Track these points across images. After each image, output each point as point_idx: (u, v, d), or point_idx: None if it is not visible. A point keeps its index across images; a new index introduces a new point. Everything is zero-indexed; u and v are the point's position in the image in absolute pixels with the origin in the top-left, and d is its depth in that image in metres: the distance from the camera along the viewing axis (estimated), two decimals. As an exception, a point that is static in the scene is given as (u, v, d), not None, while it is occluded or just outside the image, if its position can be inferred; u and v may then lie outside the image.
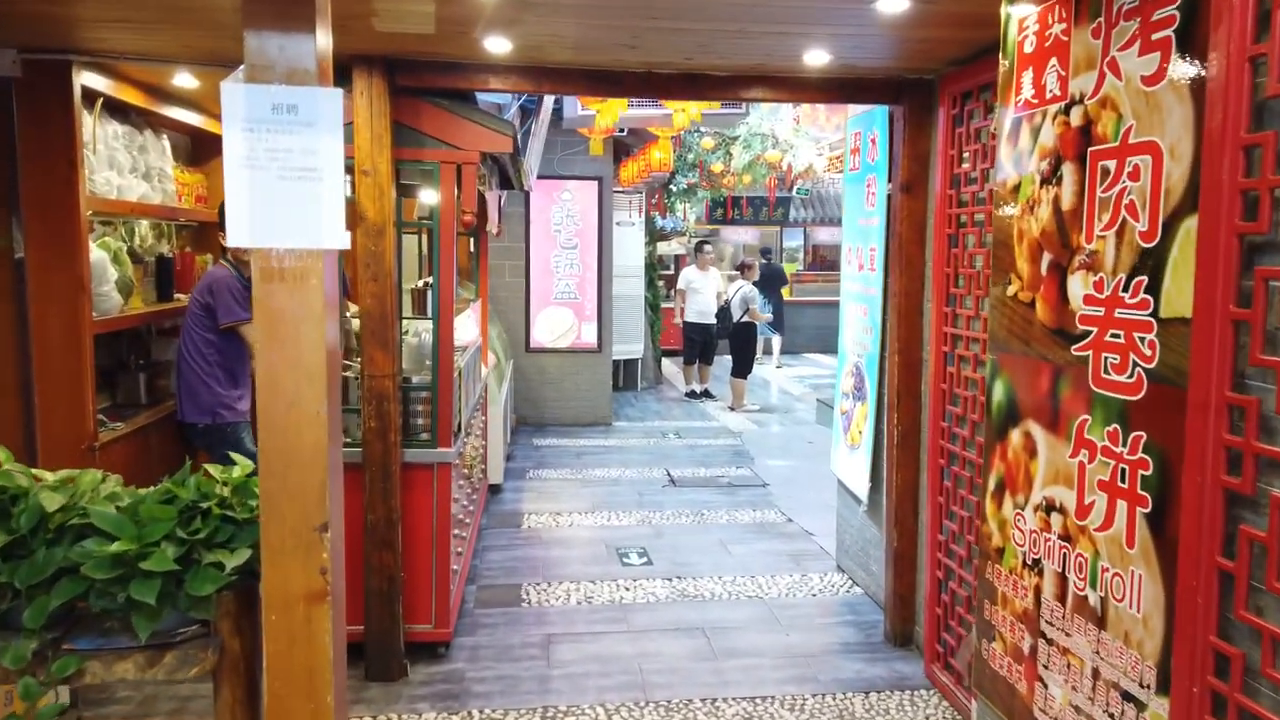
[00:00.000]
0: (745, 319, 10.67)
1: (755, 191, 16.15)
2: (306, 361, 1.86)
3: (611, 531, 5.84)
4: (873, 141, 4.54)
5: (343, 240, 1.84)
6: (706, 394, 11.27)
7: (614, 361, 11.20)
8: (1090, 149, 2.18)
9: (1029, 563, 2.40)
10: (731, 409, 10.50)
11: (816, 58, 3.56)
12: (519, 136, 3.95)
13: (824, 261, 17.91)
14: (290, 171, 1.83)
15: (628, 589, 4.86)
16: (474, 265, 6.52)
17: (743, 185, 13.82)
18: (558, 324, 9.44)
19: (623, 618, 4.50)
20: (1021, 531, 2.42)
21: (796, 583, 4.98)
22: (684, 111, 7.00)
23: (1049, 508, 2.31)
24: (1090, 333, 2.17)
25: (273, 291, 1.85)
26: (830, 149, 12.78)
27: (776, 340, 14.48)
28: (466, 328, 5.92)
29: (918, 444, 4.08)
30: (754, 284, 11.42)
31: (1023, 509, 2.42)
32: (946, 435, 3.76)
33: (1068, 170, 2.25)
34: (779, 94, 3.91)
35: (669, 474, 7.38)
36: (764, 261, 14.88)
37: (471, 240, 6.31)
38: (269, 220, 1.83)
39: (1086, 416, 2.16)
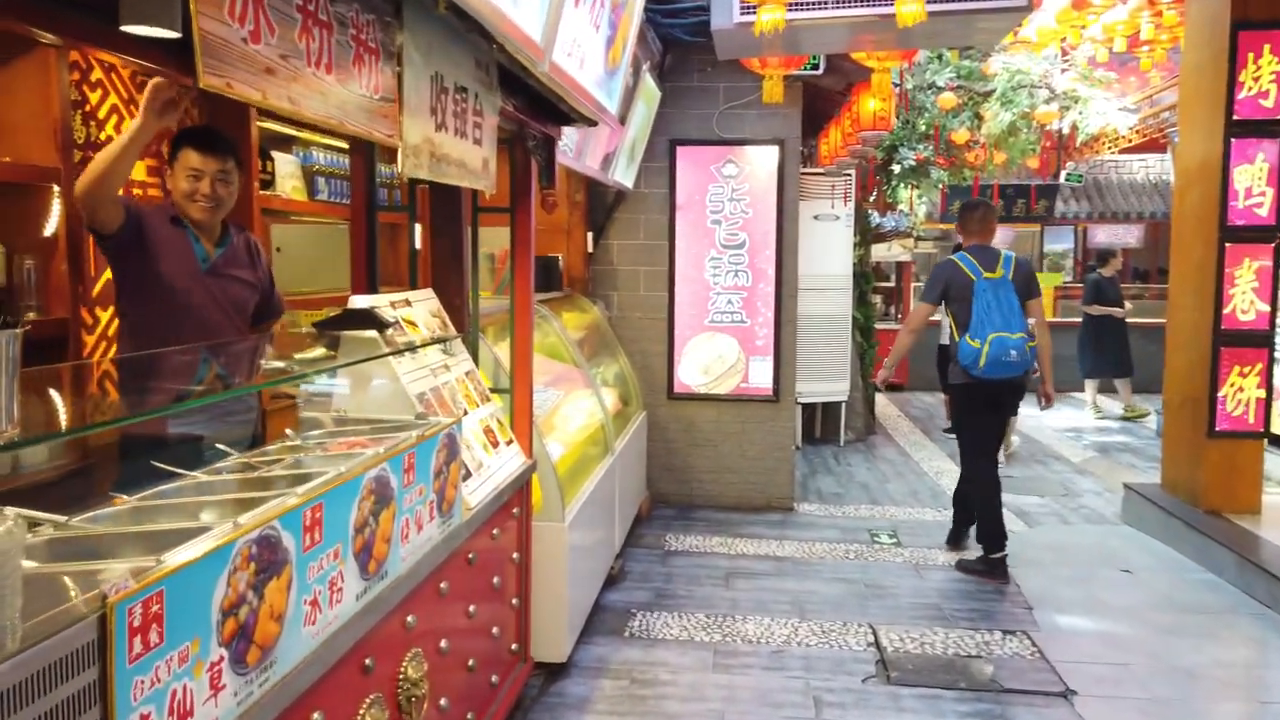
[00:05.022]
0: None
1: (1009, 179, 12.28)
2: None
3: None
4: None
5: None
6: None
7: (804, 404, 8.04)
8: None
9: None
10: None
11: None
12: None
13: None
14: None
15: None
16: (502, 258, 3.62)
17: (993, 167, 10.11)
18: (715, 359, 6.38)
19: None
20: None
21: None
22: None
23: None
24: None
25: None
26: (1148, 105, 8.86)
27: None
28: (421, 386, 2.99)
29: None
30: None
31: None
32: None
33: None
34: None
35: (876, 644, 4.11)
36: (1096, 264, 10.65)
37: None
38: None
39: None
